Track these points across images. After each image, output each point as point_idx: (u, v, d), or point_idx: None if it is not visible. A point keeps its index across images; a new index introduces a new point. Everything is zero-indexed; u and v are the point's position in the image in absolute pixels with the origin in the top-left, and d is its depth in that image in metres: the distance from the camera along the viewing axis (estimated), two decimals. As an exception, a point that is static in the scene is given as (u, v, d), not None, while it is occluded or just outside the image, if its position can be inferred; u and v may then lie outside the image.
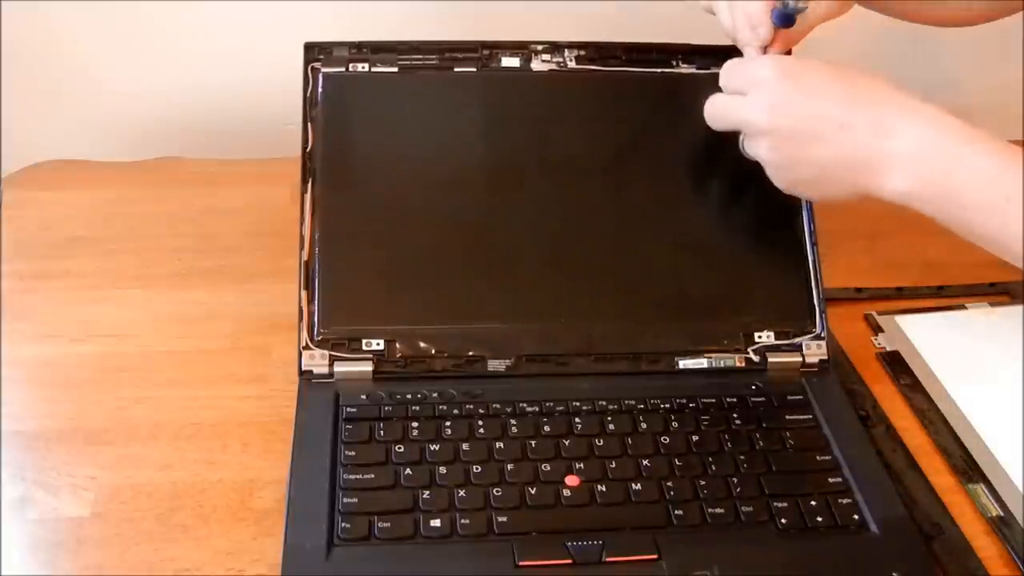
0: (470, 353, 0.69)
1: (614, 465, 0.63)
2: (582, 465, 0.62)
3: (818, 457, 0.65)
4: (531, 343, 0.69)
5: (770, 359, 0.71)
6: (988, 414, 0.70)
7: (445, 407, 0.66)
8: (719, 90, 0.68)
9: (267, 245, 0.82)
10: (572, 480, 0.62)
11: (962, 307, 0.80)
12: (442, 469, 0.62)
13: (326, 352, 0.68)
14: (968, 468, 0.66)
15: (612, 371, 0.69)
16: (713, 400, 0.68)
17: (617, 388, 0.68)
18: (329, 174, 0.71)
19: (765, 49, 0.69)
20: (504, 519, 0.59)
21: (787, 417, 0.67)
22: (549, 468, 0.62)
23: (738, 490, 0.62)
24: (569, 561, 0.57)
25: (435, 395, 0.67)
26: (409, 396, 0.66)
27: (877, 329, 0.78)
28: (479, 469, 0.62)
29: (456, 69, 0.74)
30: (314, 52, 0.73)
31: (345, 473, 0.61)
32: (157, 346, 0.74)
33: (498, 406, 0.66)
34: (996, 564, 0.60)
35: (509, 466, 0.62)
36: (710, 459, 0.64)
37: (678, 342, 0.70)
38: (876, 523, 0.60)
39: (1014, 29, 0.81)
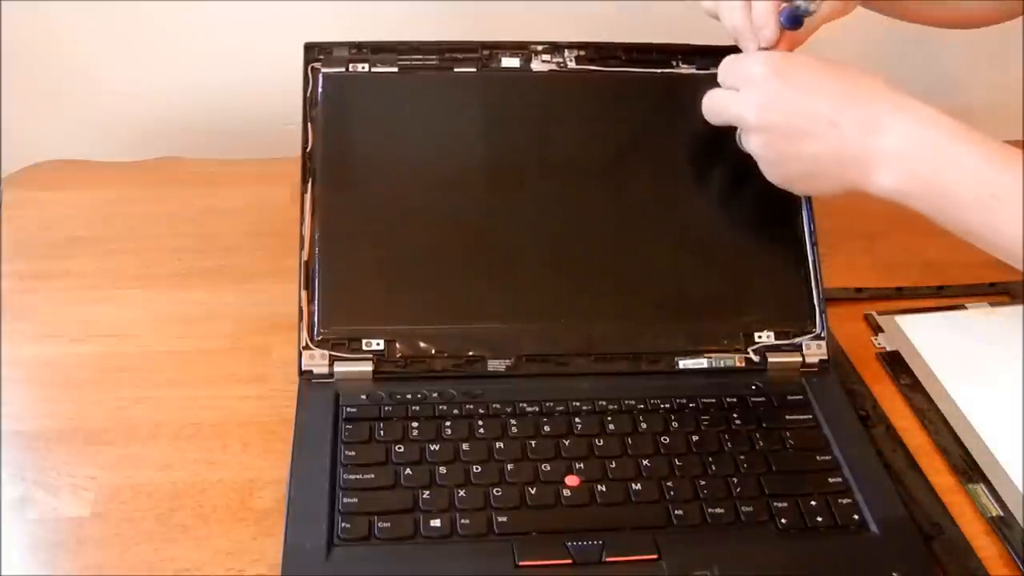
0: (470, 353, 0.69)
1: (614, 465, 0.63)
2: (582, 465, 0.62)
3: (818, 457, 0.65)
4: (531, 343, 0.69)
5: (770, 359, 0.71)
6: (988, 414, 0.70)
7: (445, 407, 0.66)
8: (718, 87, 0.69)
9: (267, 245, 0.82)
10: (572, 480, 0.62)
11: (962, 307, 0.80)
12: (442, 469, 0.62)
13: (326, 352, 0.68)
14: (968, 468, 0.66)
15: (612, 371, 0.69)
16: (713, 400, 0.68)
17: (617, 388, 0.68)
18: (329, 174, 0.71)
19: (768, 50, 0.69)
20: (504, 519, 0.59)
21: (787, 417, 0.67)
22: (549, 468, 0.62)
23: (738, 490, 0.62)
24: (569, 561, 0.57)
25: (435, 395, 0.67)
26: (409, 396, 0.66)
27: (877, 329, 0.78)
28: (479, 469, 0.62)
29: (456, 69, 0.74)
30: (314, 52, 0.73)
31: (345, 473, 0.61)
32: (157, 346, 0.74)
33: (498, 406, 0.66)
34: (996, 564, 0.60)
35: (509, 466, 0.62)
36: (710, 459, 0.64)
37: (678, 342, 0.70)
38: (876, 523, 0.60)
39: (1014, 30, 0.81)
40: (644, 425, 0.66)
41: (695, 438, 0.65)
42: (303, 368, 0.68)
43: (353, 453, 0.62)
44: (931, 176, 0.62)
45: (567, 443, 0.64)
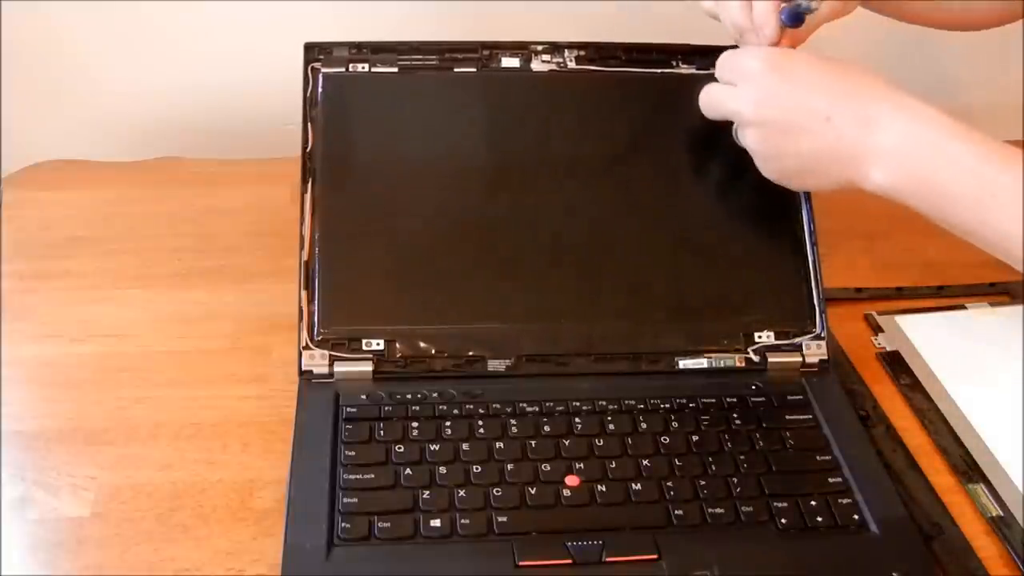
0: (470, 353, 0.69)
1: (614, 465, 0.63)
2: (582, 465, 0.62)
3: (818, 457, 0.65)
4: (531, 343, 0.69)
5: (770, 359, 0.71)
6: (988, 414, 0.70)
7: (445, 407, 0.66)
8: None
9: (267, 245, 0.82)
10: (572, 480, 0.62)
11: (962, 307, 0.80)
12: (442, 469, 0.62)
13: (326, 352, 0.68)
14: (968, 468, 0.66)
15: (612, 371, 0.69)
16: (713, 400, 0.68)
17: (617, 388, 0.68)
18: (329, 174, 0.71)
19: None
20: (504, 519, 0.59)
21: (787, 417, 0.67)
22: (549, 468, 0.62)
23: (738, 490, 0.62)
24: (569, 561, 0.57)
25: (435, 395, 0.67)
26: (409, 396, 0.66)
27: (877, 329, 0.78)
28: (479, 469, 0.62)
29: (456, 69, 0.74)
30: (314, 52, 0.73)
31: (345, 473, 0.61)
32: (157, 346, 0.74)
33: (498, 406, 0.66)
34: (996, 564, 0.60)
35: (509, 466, 0.62)
36: (710, 459, 0.64)
37: (678, 342, 0.70)
38: (876, 523, 0.60)
39: (1014, 30, 0.81)
40: (644, 425, 0.66)
41: (695, 438, 0.65)
42: (303, 368, 0.68)
43: (353, 453, 0.62)
44: (927, 174, 0.62)
45: (567, 443, 0.64)
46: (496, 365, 0.69)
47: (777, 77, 0.65)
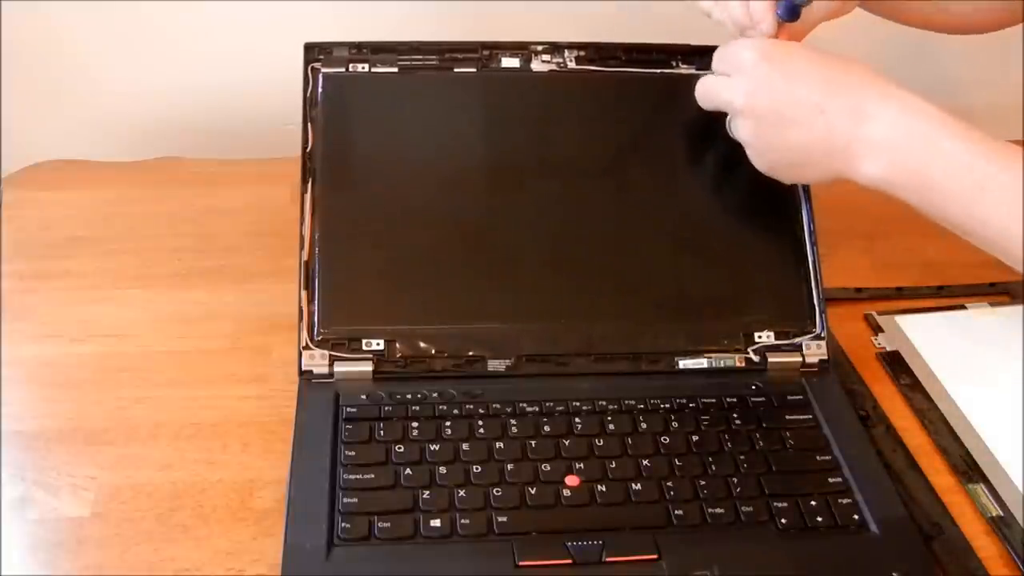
0: (470, 353, 0.69)
1: (614, 465, 0.63)
2: (582, 465, 0.62)
3: (818, 457, 0.65)
4: (531, 343, 0.69)
5: (770, 359, 0.71)
6: (988, 414, 0.70)
7: (445, 407, 0.66)
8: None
9: (267, 245, 0.82)
10: (572, 480, 0.62)
11: (962, 307, 0.80)
12: (442, 469, 0.62)
13: (326, 352, 0.68)
14: (968, 468, 0.66)
15: (612, 371, 0.69)
16: (713, 400, 0.68)
17: (617, 388, 0.68)
18: (329, 174, 0.71)
19: None
20: (504, 519, 0.59)
21: (787, 417, 0.67)
22: (549, 468, 0.62)
23: (738, 490, 0.62)
24: (569, 561, 0.57)
25: (435, 395, 0.67)
26: (409, 396, 0.66)
27: (877, 329, 0.78)
28: (479, 469, 0.62)
29: (456, 69, 0.74)
30: (314, 52, 0.73)
31: (345, 473, 0.61)
32: (157, 346, 0.74)
33: (498, 406, 0.66)
34: (996, 564, 0.60)
35: (509, 466, 0.62)
36: (710, 459, 0.64)
37: (678, 342, 0.70)
38: (876, 523, 0.60)
39: (1014, 31, 0.81)
40: (644, 425, 0.66)
41: (695, 438, 0.65)
42: (303, 368, 0.68)
43: (353, 453, 0.62)
44: (918, 166, 0.62)
45: (567, 443, 0.64)
46: (496, 365, 0.69)
47: (770, 68, 0.65)
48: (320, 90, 0.73)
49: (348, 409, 0.65)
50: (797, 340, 0.71)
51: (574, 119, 0.75)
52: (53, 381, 0.70)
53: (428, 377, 0.68)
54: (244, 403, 0.69)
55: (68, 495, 0.62)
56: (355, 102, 0.73)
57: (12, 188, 0.90)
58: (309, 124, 0.72)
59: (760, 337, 0.71)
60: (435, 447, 0.63)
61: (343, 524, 0.58)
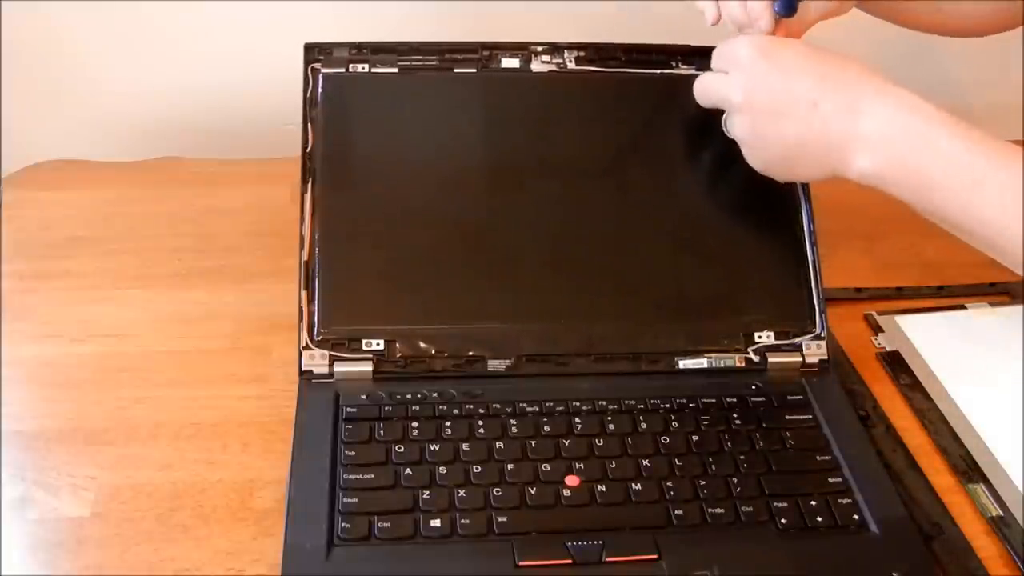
0: (470, 353, 0.69)
1: (614, 465, 0.63)
2: (582, 465, 0.62)
3: (818, 457, 0.65)
4: (531, 343, 0.69)
5: (770, 359, 0.71)
6: (988, 414, 0.70)
7: (445, 407, 0.66)
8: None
9: (267, 245, 0.82)
10: (572, 480, 0.62)
11: (962, 307, 0.80)
12: (442, 469, 0.62)
13: (326, 352, 0.68)
14: (968, 468, 0.66)
15: (612, 371, 0.69)
16: (713, 400, 0.68)
17: (617, 388, 0.68)
18: (329, 174, 0.71)
19: None
20: (504, 519, 0.59)
21: (787, 417, 0.67)
22: (549, 468, 0.62)
23: (738, 490, 0.62)
24: (569, 561, 0.57)
25: (435, 395, 0.67)
26: (409, 396, 0.66)
27: (877, 329, 0.78)
28: (479, 469, 0.62)
29: (456, 70, 0.74)
30: (314, 52, 0.73)
31: (345, 473, 0.61)
32: (157, 346, 0.74)
33: (498, 406, 0.66)
34: (996, 564, 0.60)
35: (509, 466, 0.62)
36: (710, 459, 0.64)
37: (678, 342, 0.70)
38: (876, 523, 0.60)
39: (1014, 31, 0.81)
40: (644, 425, 0.66)
41: (695, 438, 0.65)
42: (303, 368, 0.68)
43: (353, 453, 0.62)
44: (914, 163, 0.62)
45: (567, 443, 0.64)
46: (496, 365, 0.69)
47: (766, 64, 0.65)
48: (320, 90, 0.73)
49: (348, 409, 0.65)
50: (797, 340, 0.71)
51: (574, 119, 0.75)
52: (53, 381, 0.70)
53: (428, 377, 0.68)
54: (244, 403, 0.69)
55: (68, 495, 0.62)
56: (355, 102, 0.73)
57: (12, 188, 0.90)
58: (309, 124, 0.72)
59: (760, 337, 0.71)
60: (435, 447, 0.63)
61: (343, 524, 0.58)
